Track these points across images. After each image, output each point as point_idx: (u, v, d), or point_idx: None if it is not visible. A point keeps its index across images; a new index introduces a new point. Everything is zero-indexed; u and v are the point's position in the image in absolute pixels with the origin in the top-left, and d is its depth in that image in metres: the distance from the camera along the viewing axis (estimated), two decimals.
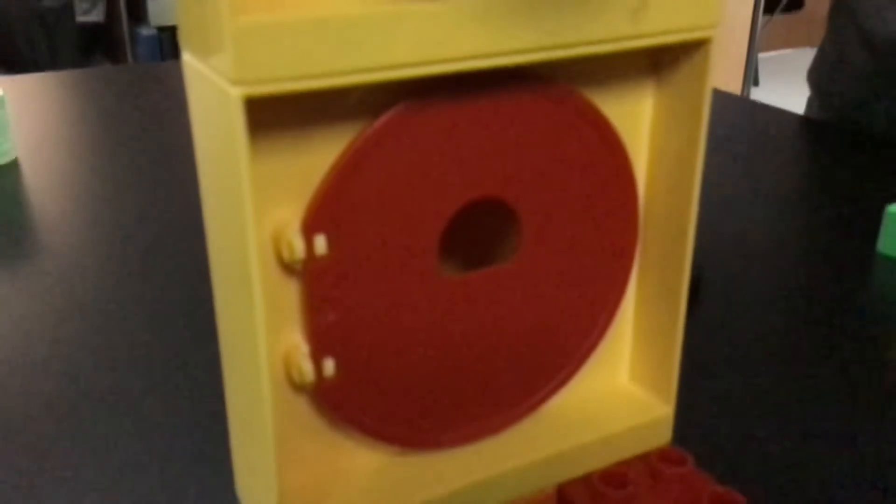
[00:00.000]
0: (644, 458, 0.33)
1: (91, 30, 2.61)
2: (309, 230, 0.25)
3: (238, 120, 0.22)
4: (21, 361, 0.42)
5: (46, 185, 0.65)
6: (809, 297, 0.48)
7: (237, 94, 0.22)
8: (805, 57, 3.80)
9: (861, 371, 0.42)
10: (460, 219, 0.29)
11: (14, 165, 0.69)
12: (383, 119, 0.25)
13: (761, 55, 3.60)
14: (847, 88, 0.79)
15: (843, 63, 0.78)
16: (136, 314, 0.46)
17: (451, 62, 0.24)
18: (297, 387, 0.27)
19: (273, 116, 0.24)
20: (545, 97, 0.28)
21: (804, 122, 0.79)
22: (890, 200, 0.62)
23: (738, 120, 0.81)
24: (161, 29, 2.58)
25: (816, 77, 0.83)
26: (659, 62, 0.30)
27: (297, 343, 0.27)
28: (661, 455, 0.32)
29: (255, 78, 0.22)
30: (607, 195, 0.30)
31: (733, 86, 2.66)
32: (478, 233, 0.31)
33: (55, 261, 0.52)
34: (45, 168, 0.68)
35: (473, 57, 0.24)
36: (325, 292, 0.26)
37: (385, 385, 0.28)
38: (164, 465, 0.35)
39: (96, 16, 2.61)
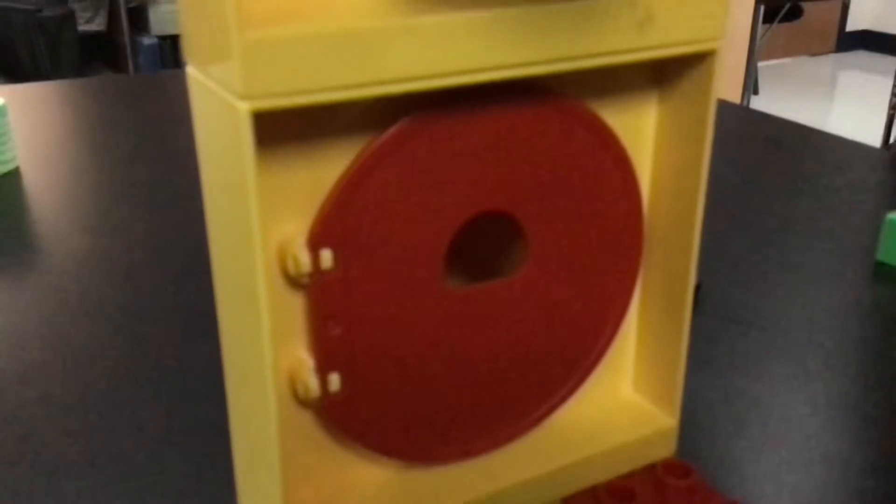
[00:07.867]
0: (649, 470, 0.33)
1: (92, 39, 2.61)
2: (315, 244, 0.25)
3: (246, 134, 0.22)
4: (21, 367, 0.42)
5: (48, 193, 0.65)
6: (811, 305, 0.48)
7: (245, 108, 0.22)
8: (804, 66, 3.81)
9: (865, 379, 0.42)
10: (466, 231, 0.29)
11: (16, 174, 0.69)
12: (390, 132, 0.25)
13: (761, 64, 3.61)
14: None
15: None
16: (137, 322, 0.46)
17: (457, 75, 0.24)
18: (303, 402, 0.27)
19: (279, 130, 0.24)
20: (551, 109, 0.28)
21: (804, 131, 0.79)
22: (888, 209, 0.62)
23: (738, 128, 0.81)
24: (162, 38, 2.59)
25: None
26: (663, 74, 0.30)
27: (302, 358, 0.27)
28: (666, 467, 0.32)
29: (264, 92, 0.22)
30: (612, 207, 0.30)
31: (733, 94, 2.67)
32: (483, 245, 0.31)
33: (56, 268, 0.52)
34: (46, 176, 0.68)
35: (480, 70, 0.24)
36: (330, 307, 0.26)
37: (391, 399, 0.28)
38: (165, 478, 0.35)
39: (98, 25, 2.61)
